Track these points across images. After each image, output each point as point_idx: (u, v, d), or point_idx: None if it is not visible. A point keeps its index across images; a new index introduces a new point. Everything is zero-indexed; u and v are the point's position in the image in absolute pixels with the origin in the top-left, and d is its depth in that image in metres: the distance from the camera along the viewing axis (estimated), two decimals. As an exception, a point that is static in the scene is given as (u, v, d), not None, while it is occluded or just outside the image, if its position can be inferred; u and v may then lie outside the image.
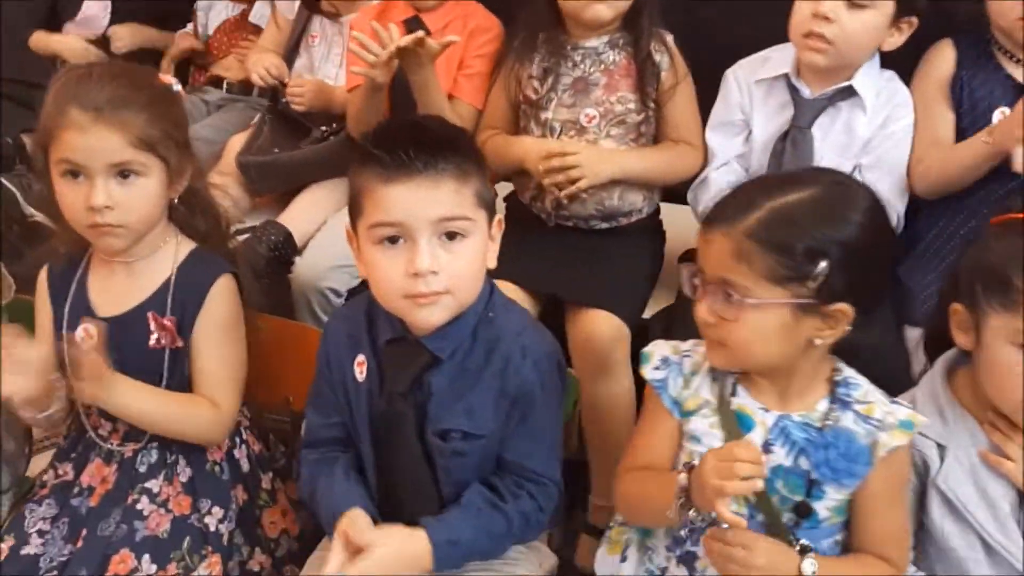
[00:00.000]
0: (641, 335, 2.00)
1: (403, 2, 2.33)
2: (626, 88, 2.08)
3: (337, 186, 2.36)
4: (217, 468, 1.67)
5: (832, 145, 2.00)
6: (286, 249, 2.31)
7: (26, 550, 1.59)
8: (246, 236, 2.26)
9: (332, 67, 2.56)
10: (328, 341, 1.55)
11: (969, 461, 1.44)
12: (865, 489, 1.37)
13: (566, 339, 2.00)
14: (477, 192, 1.40)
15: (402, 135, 1.39)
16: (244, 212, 2.45)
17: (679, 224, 2.24)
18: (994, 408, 1.43)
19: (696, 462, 1.32)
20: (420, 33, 2.05)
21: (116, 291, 1.63)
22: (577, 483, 1.97)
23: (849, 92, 1.99)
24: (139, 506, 1.60)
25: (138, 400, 1.56)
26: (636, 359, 1.97)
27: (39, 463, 1.81)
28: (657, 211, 2.22)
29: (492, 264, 1.45)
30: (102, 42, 3.07)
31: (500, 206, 2.08)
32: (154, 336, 1.60)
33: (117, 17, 3.11)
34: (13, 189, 2.60)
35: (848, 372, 1.41)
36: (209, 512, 1.63)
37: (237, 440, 1.71)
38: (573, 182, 2.02)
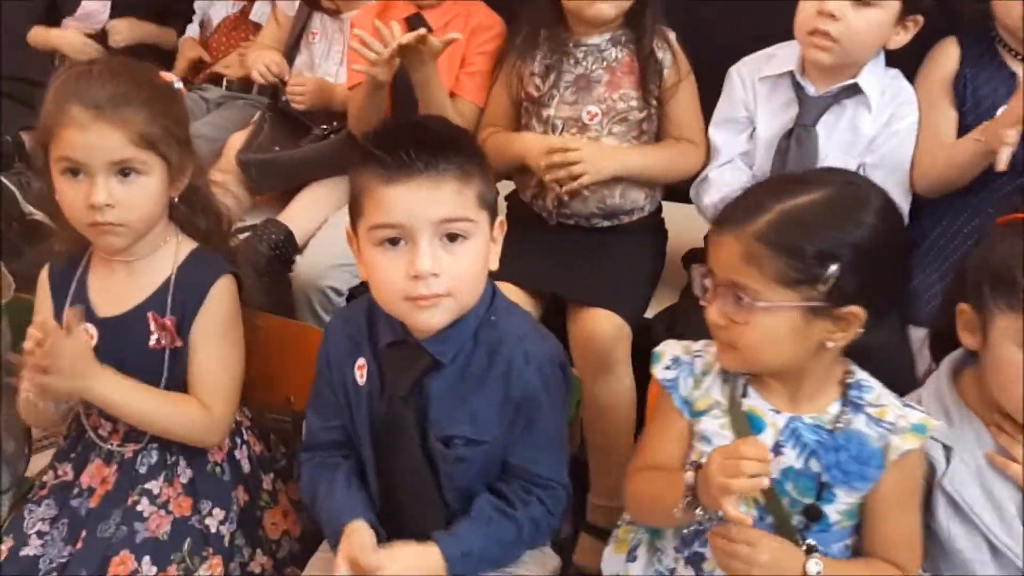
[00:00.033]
0: (643, 334, 2.00)
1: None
2: (628, 85, 2.08)
3: (338, 184, 2.35)
4: (218, 469, 1.66)
5: (837, 143, 1.99)
6: (287, 248, 2.30)
7: (25, 551, 1.58)
8: (246, 235, 2.25)
9: (333, 65, 2.56)
10: (329, 342, 1.54)
11: (975, 462, 1.42)
12: (876, 493, 1.35)
13: (567, 338, 1.99)
14: (479, 193, 1.38)
15: (403, 135, 1.38)
16: (244, 210, 2.44)
17: (681, 223, 2.24)
18: (1000, 410, 1.42)
19: (704, 461, 1.31)
20: (422, 31, 2.04)
21: (116, 291, 1.62)
22: (577, 482, 1.96)
23: (854, 90, 1.99)
24: (139, 507, 1.59)
25: (120, 392, 1.54)
26: (637, 358, 1.99)
27: (39, 463, 1.80)
28: (659, 209, 2.22)
29: (494, 266, 1.44)
30: (100, 37, 3.07)
31: (501, 206, 2.07)
32: (154, 336, 1.59)
33: (116, 12, 3.11)
34: (12, 187, 2.59)
35: (861, 375, 1.40)
36: (210, 513, 1.62)
37: (238, 441, 1.70)
38: (575, 178, 2.01)
